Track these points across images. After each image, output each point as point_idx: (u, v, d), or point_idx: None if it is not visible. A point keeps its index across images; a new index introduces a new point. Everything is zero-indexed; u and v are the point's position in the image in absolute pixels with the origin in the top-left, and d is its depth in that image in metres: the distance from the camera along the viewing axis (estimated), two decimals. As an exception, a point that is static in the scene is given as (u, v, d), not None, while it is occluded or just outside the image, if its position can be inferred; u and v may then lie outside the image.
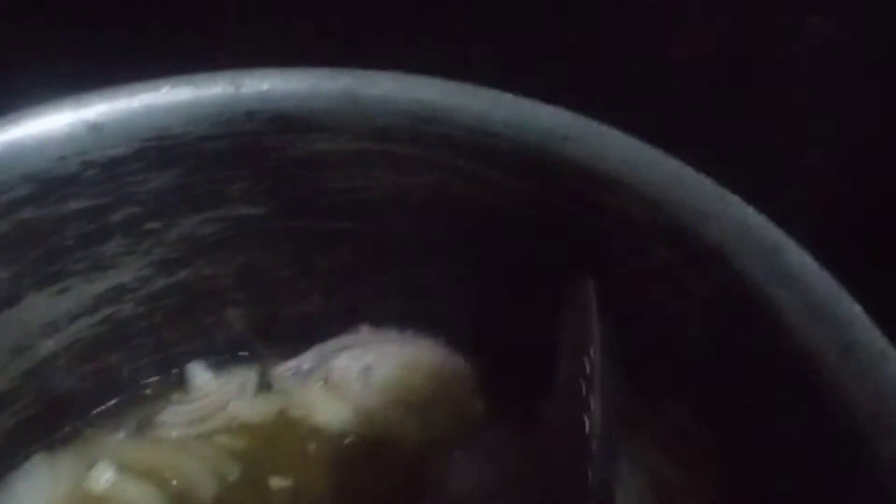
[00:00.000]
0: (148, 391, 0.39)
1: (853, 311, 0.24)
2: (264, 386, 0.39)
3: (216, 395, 0.38)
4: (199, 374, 0.39)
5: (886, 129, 0.43)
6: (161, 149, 0.33)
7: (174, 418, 0.37)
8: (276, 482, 0.36)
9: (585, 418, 0.27)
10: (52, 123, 0.31)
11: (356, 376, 0.39)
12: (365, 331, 0.40)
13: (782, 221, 0.28)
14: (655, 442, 0.32)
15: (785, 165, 0.43)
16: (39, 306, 0.34)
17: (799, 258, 0.26)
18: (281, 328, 0.40)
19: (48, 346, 0.35)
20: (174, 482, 0.36)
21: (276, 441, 0.37)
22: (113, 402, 0.39)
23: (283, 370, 0.38)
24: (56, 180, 0.32)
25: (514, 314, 0.36)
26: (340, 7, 0.42)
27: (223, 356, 0.40)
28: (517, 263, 0.35)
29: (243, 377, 0.39)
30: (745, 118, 0.43)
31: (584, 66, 0.42)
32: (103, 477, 0.35)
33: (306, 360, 0.39)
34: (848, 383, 0.23)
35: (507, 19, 0.42)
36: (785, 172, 0.43)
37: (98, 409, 0.38)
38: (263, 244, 0.37)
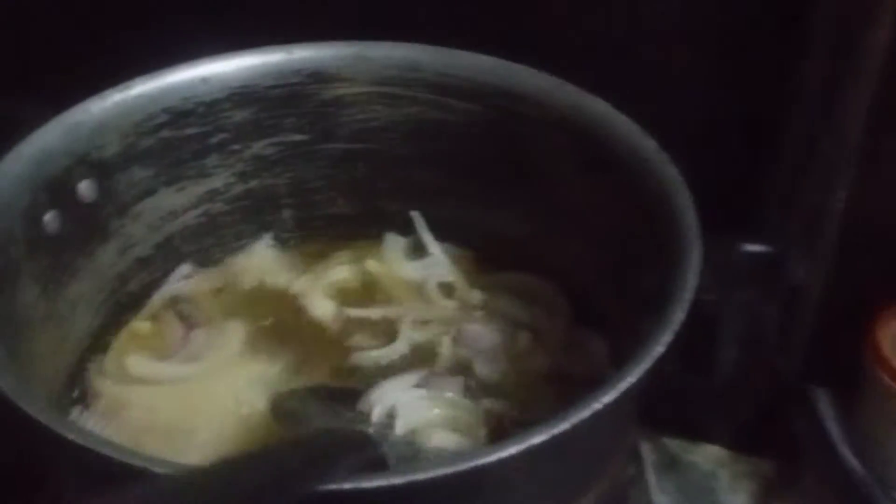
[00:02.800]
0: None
1: (651, 145, 0.44)
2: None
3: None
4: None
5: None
6: (242, 94, 0.52)
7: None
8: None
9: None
10: (180, 76, 0.50)
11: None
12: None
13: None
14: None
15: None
16: (167, 199, 0.52)
17: (626, 124, 0.46)
18: (318, 224, 0.58)
19: (168, 228, 0.54)
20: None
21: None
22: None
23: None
24: (181, 113, 0.51)
25: (483, 202, 0.55)
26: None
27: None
28: (478, 161, 0.54)
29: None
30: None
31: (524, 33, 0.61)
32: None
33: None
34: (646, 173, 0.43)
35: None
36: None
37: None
38: (305, 162, 0.56)
